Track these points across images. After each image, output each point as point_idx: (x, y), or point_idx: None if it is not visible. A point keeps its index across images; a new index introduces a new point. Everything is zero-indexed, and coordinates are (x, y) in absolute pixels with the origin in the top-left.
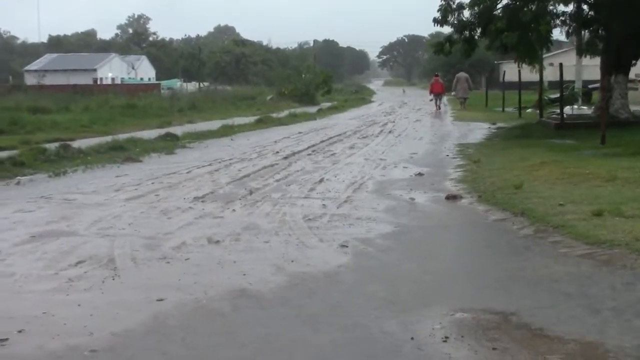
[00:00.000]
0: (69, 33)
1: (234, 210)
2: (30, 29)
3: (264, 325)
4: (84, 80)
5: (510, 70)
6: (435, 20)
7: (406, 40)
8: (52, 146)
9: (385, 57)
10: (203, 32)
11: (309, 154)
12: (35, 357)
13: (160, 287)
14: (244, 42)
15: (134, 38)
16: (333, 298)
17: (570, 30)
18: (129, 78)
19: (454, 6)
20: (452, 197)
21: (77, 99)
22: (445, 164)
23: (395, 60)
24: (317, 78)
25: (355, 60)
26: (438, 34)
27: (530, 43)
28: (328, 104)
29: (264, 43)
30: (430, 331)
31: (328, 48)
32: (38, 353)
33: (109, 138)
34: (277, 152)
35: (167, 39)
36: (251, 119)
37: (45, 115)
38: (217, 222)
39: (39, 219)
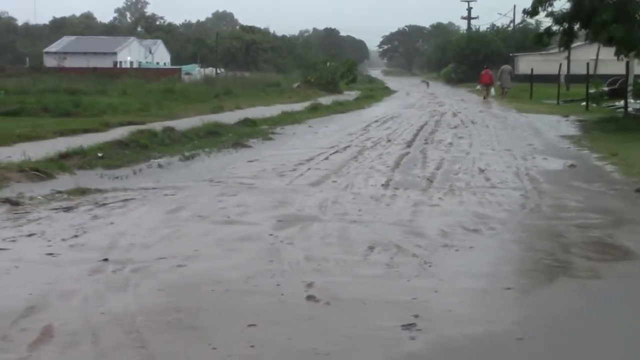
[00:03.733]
0: (66, 15)
1: (440, 198)
2: (26, 11)
3: None
4: (104, 63)
5: (527, 63)
6: (525, 12)
7: (407, 30)
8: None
9: (386, 47)
10: (201, 18)
11: (426, 143)
12: (461, 343)
13: (489, 275)
14: (253, 29)
15: (141, 21)
16: None
17: None
18: (146, 62)
19: None
20: None
21: (106, 81)
22: (580, 156)
23: (396, 50)
24: (342, 66)
25: (355, 49)
26: (440, 24)
27: (638, 36)
28: (353, 93)
29: (271, 30)
30: None
31: (329, 37)
32: (463, 339)
33: (194, 122)
34: (389, 140)
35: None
36: (298, 105)
37: (85, 97)
38: (440, 210)
39: (257, 204)
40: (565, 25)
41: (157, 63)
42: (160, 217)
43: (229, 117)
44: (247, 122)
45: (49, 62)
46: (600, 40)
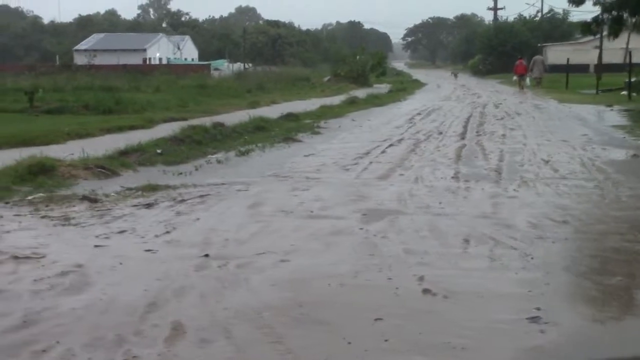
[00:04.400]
0: (91, 12)
1: (515, 190)
2: (50, 9)
3: None
4: (134, 60)
5: (556, 53)
6: (571, 0)
7: (431, 22)
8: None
9: (410, 39)
10: (224, 13)
11: (478, 135)
12: (596, 336)
13: (596, 267)
14: (278, 23)
15: (167, 17)
16: None
17: None
18: (175, 58)
19: None
20: None
21: (139, 78)
22: (639, 146)
23: (420, 42)
24: (372, 59)
25: (379, 42)
26: (463, 16)
27: None
28: (383, 86)
29: (294, 24)
30: None
31: (353, 30)
32: (596, 333)
33: (237, 117)
34: (440, 132)
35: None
36: (333, 99)
37: (121, 93)
38: (520, 202)
39: (334, 198)
40: (614, 13)
41: (185, 59)
42: (244, 212)
43: (269, 111)
44: (290, 117)
45: (79, 59)
46: None
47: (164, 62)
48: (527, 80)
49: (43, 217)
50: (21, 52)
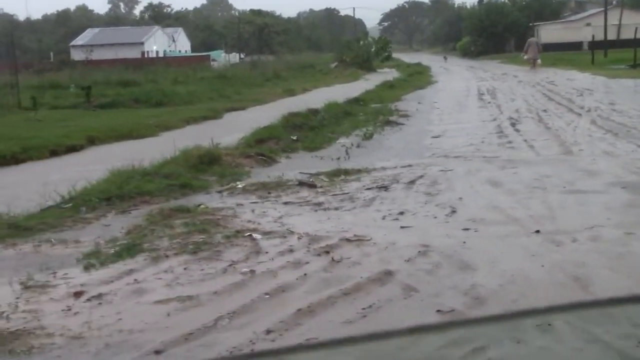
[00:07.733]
0: (60, 8)
1: None
2: (14, 5)
3: None
4: (131, 53)
5: (548, 32)
6: None
7: (406, 6)
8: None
9: (387, 23)
10: (197, 4)
11: (589, 111)
12: None
13: None
14: (261, 13)
15: (148, 10)
16: None
17: None
18: (170, 51)
19: None
20: None
21: (155, 71)
22: None
23: (396, 26)
24: (375, 45)
25: (355, 28)
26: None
27: None
28: (388, 70)
29: (277, 13)
30: None
31: (329, 17)
32: None
33: (291, 103)
34: (545, 110)
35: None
36: (358, 84)
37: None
38: None
39: (559, 176)
40: None
41: (180, 51)
42: (494, 190)
43: (313, 98)
44: (358, 102)
45: (76, 55)
46: None
47: (160, 54)
48: (539, 60)
49: (285, 203)
50: (1, 50)
